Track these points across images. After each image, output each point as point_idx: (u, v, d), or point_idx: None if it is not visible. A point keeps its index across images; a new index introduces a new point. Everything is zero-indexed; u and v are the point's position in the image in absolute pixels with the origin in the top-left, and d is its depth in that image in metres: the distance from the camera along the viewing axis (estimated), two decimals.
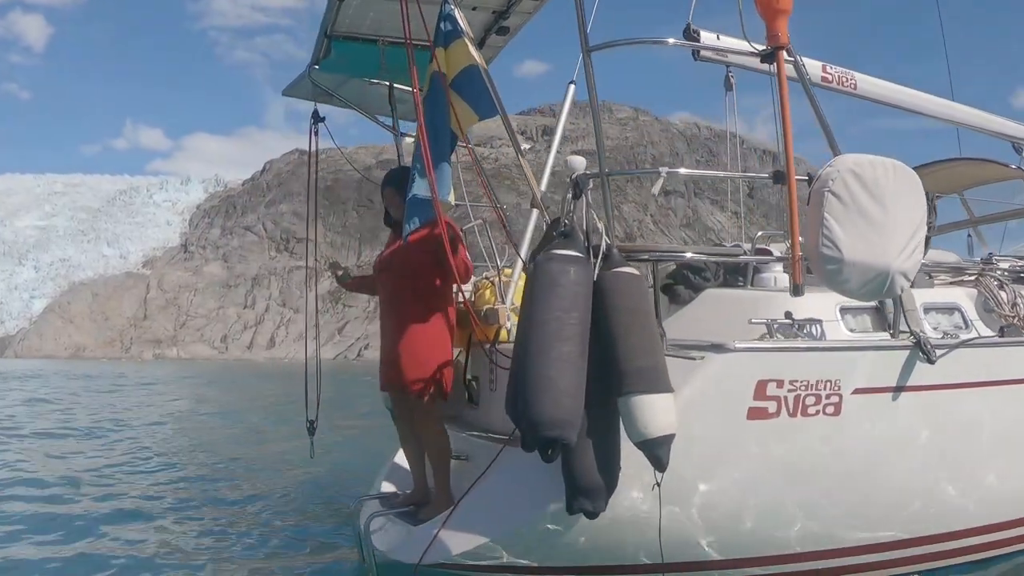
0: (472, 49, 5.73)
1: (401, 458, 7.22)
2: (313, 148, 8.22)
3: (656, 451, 4.48)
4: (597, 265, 4.73)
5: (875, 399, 5.56)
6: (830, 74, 8.37)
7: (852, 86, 8.60)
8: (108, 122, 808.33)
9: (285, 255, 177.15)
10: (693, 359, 5.08)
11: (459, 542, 5.28)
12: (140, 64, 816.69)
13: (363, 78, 8.17)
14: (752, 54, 5.58)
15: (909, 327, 5.84)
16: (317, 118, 8.10)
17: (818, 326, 5.76)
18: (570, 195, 5.15)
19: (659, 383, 4.53)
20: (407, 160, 8.11)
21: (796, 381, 5.23)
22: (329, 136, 8.24)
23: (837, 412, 5.36)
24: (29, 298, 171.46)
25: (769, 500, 5.37)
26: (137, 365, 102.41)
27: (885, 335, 5.87)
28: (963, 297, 6.64)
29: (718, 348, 5.14)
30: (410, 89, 8.15)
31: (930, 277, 6.75)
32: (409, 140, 8.19)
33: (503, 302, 6.74)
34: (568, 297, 4.51)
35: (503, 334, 6.66)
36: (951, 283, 7.00)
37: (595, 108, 5.39)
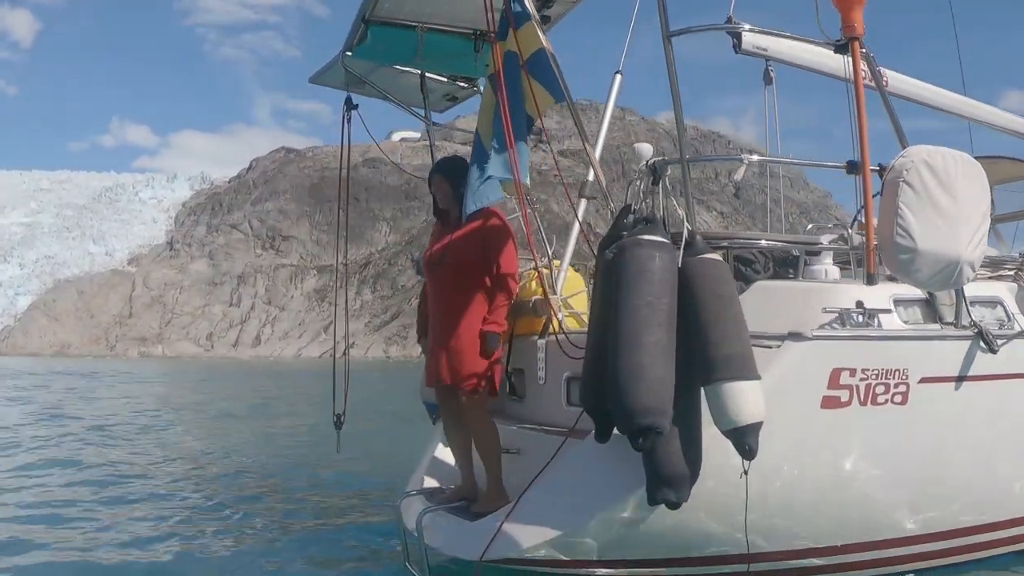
0: (540, 32, 5.58)
1: (441, 452, 7.05)
2: (345, 138, 7.88)
3: (746, 439, 4.41)
4: (681, 251, 4.63)
5: (940, 388, 5.57)
6: (865, 70, 8.25)
7: (885, 83, 8.15)
8: (95, 119, 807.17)
9: (271, 253, 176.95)
10: (770, 347, 5.00)
11: (526, 536, 5.10)
12: (128, 61, 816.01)
13: (396, 66, 7.98)
14: (827, 44, 5.62)
15: (971, 318, 5.84)
16: (350, 105, 7.84)
17: (878, 317, 5.62)
18: (639, 182, 5.27)
19: (749, 370, 4.46)
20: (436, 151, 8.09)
21: (868, 370, 5.22)
22: (363, 125, 7.94)
23: (904, 401, 5.35)
24: (14, 295, 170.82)
25: (841, 489, 5.34)
26: (123, 363, 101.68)
27: (936, 326, 5.84)
28: (1004, 291, 6.53)
29: (796, 336, 5.09)
30: (441, 78, 8.13)
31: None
32: (457, 130, 8.01)
33: (554, 293, 6.58)
34: (657, 283, 4.44)
35: (554, 325, 6.44)
36: (990, 277, 6.88)
37: (676, 94, 5.29)
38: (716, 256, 4.75)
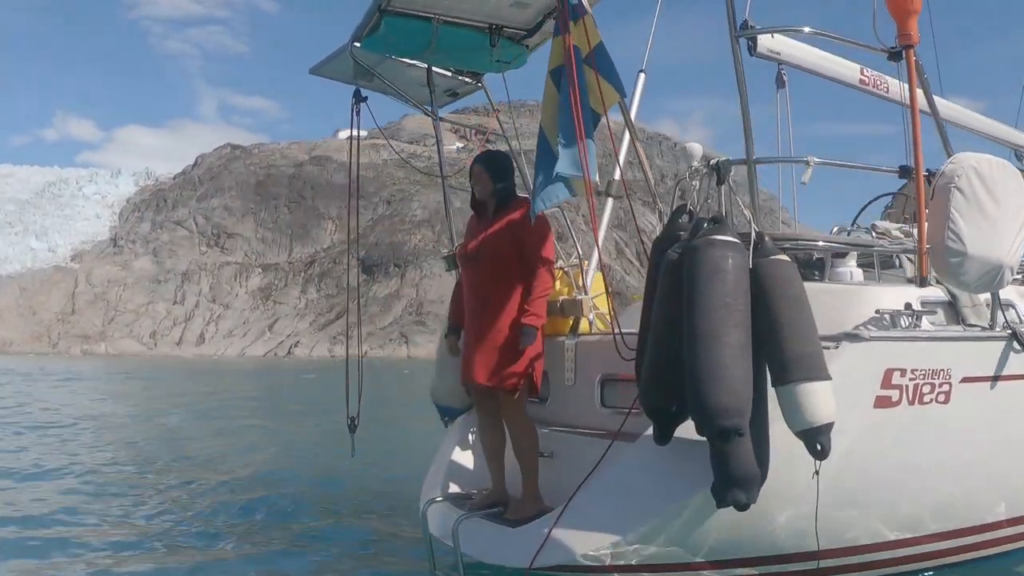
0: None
1: (458, 455, 6.85)
2: (353, 130, 7.70)
3: (819, 439, 4.37)
4: (751, 252, 4.59)
5: (979, 388, 5.68)
6: (867, 76, 8.36)
7: (885, 90, 8.57)
8: (38, 112, 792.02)
9: (215, 250, 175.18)
10: (827, 347, 4.86)
11: (578, 542, 4.95)
12: (71, 53, 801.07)
13: (404, 59, 7.71)
14: (881, 51, 5.70)
15: (1006, 319, 5.99)
16: (359, 98, 7.61)
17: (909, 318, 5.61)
18: (695, 181, 5.26)
19: (822, 370, 4.42)
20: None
21: (917, 370, 5.29)
22: (371, 118, 7.70)
23: (947, 400, 5.43)
24: None
25: (893, 487, 5.43)
26: (67, 360, 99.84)
27: (958, 327, 5.88)
28: (1015, 294, 6.55)
29: (852, 337, 5.09)
30: (446, 73, 7.90)
31: None
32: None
33: (585, 293, 6.47)
34: (731, 283, 4.39)
35: (584, 325, 6.41)
36: None
37: (743, 93, 5.18)
38: (785, 257, 4.69)
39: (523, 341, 5.72)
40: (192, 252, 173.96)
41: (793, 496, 4.91)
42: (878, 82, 8.47)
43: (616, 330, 5.51)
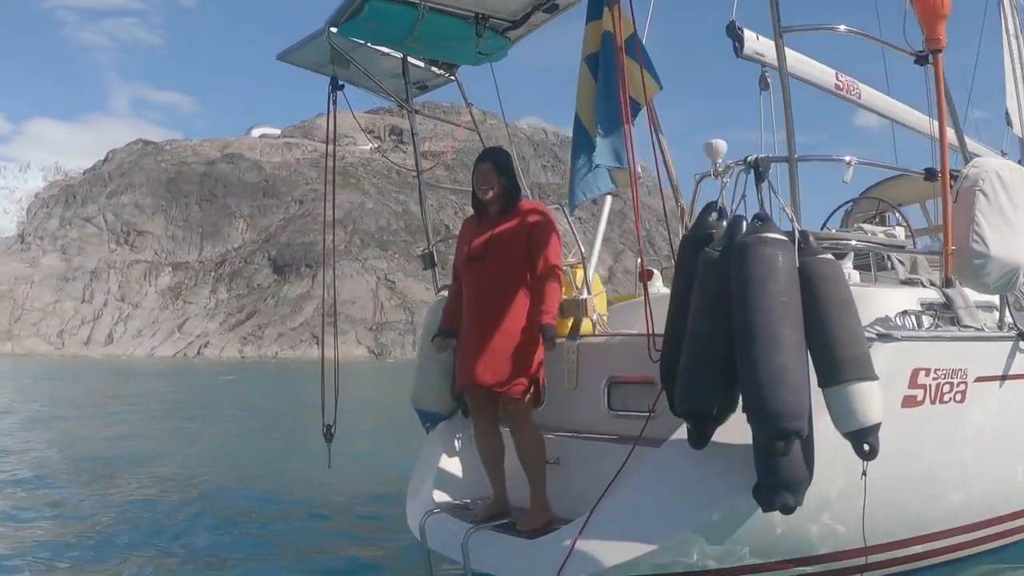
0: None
1: (447, 463, 6.48)
2: (331, 120, 7.39)
3: (869, 439, 4.29)
4: (796, 251, 4.48)
5: (991, 386, 5.77)
6: (841, 82, 8.54)
7: (857, 96, 8.83)
8: None
9: (125, 248, 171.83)
10: None
11: (609, 553, 4.66)
12: None
13: (380, 47, 7.36)
14: (909, 53, 5.74)
15: (1014, 320, 6.08)
16: (336, 86, 7.21)
17: (911, 319, 5.64)
18: (723, 179, 5.18)
19: (871, 371, 4.33)
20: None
21: (939, 370, 5.31)
22: (347, 106, 7.28)
23: (963, 399, 5.47)
24: None
25: (918, 484, 5.42)
26: None
27: (954, 328, 5.79)
28: (997, 296, 6.39)
29: (885, 337, 5.01)
30: (419, 64, 7.67)
31: None
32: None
33: (588, 293, 6.20)
34: (785, 282, 4.28)
35: (587, 326, 6.13)
36: None
37: (786, 89, 5.11)
38: (831, 256, 4.59)
39: (547, 342, 5.43)
40: (101, 249, 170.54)
41: (832, 497, 4.84)
42: (851, 88, 8.68)
43: (649, 331, 5.34)
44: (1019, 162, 9.87)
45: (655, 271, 8.10)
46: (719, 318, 4.46)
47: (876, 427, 4.30)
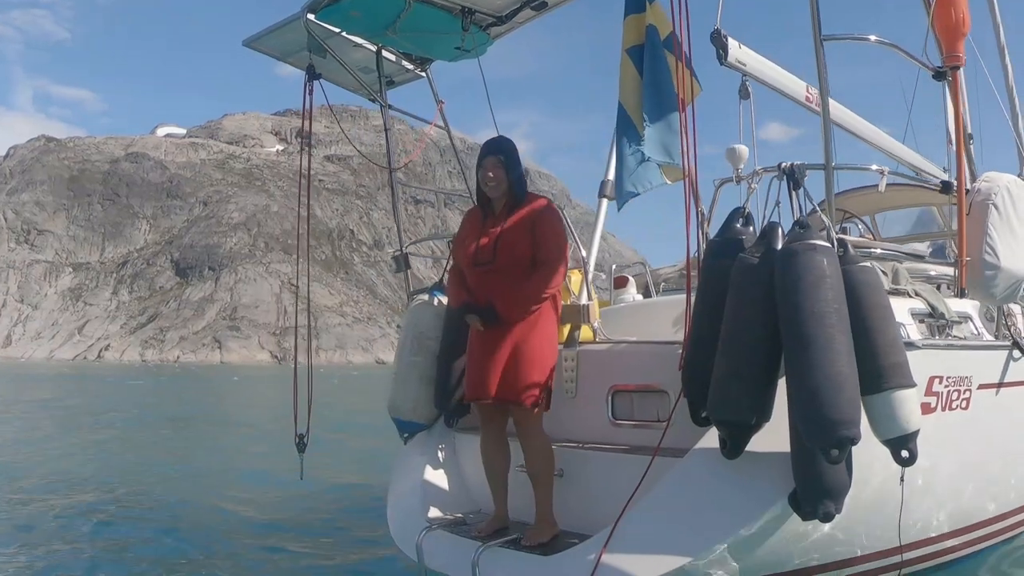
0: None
1: (432, 476, 6.14)
2: (306, 109, 6.88)
3: (909, 446, 4.26)
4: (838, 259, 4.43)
5: (990, 393, 5.83)
6: (811, 94, 8.44)
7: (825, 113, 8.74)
8: None
9: (25, 248, 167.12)
10: None
11: (639, 568, 4.44)
12: None
13: (360, 37, 7.05)
14: (928, 68, 5.77)
15: (1009, 331, 6.25)
16: (312, 75, 6.79)
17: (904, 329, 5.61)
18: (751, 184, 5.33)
19: (911, 378, 4.32)
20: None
21: (950, 377, 5.34)
22: (324, 97, 6.88)
23: (967, 406, 5.49)
24: None
25: (932, 487, 5.43)
26: None
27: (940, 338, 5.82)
28: (970, 307, 6.48)
29: (908, 345, 4.83)
30: (390, 58, 7.42)
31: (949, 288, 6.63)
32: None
33: (590, 298, 5.92)
34: (835, 289, 4.23)
35: (587, 333, 5.89)
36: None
37: (825, 98, 5.03)
38: (871, 265, 4.56)
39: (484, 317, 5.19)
40: (0, 248, 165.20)
41: (870, 502, 4.83)
42: (820, 101, 8.60)
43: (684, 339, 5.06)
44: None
45: (629, 278, 7.88)
46: (758, 325, 4.38)
47: (916, 434, 4.27)
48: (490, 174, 5.28)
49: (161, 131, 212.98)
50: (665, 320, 6.58)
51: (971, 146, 12.34)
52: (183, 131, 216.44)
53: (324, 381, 65.91)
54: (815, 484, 4.25)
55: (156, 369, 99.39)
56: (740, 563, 4.59)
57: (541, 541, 5.00)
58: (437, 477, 6.10)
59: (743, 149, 6.06)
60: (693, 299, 5.03)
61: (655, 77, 5.19)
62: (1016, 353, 6.12)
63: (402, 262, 7.24)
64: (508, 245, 5.18)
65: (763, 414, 4.42)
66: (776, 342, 4.31)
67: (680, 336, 6.09)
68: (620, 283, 7.88)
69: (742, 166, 6.73)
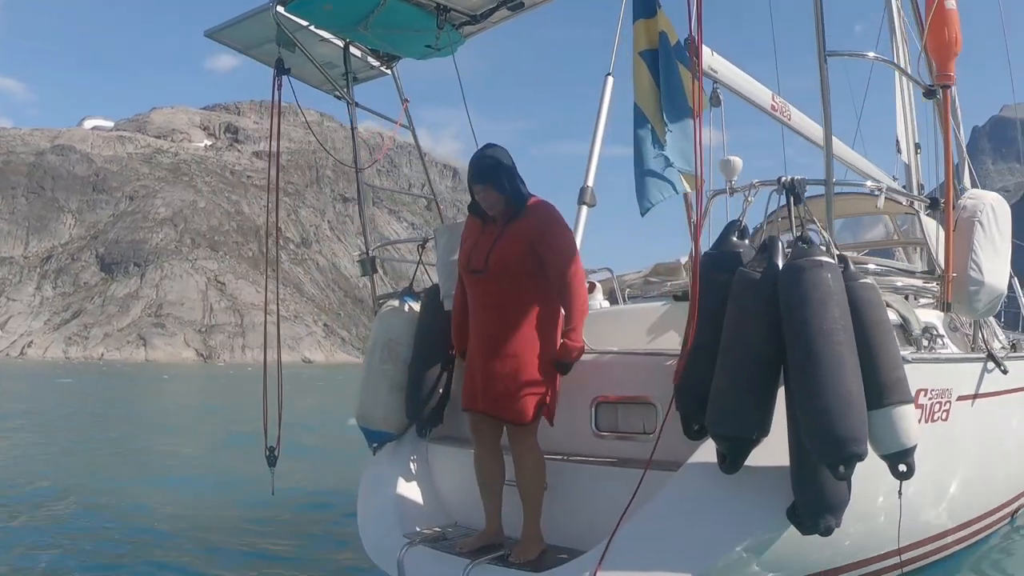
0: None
1: (405, 488, 5.90)
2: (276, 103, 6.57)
3: (907, 460, 4.27)
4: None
5: (967, 404, 5.88)
6: (776, 103, 8.75)
7: (788, 116, 9.06)
8: None
9: None
10: None
11: None
12: None
13: (329, 31, 6.85)
14: (921, 87, 5.90)
15: (984, 343, 6.42)
16: (281, 69, 6.51)
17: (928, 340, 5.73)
18: (748, 197, 5.13)
19: (909, 394, 4.34)
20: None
21: (934, 390, 5.36)
22: (292, 93, 6.59)
23: (947, 418, 5.51)
24: None
25: (920, 495, 5.42)
26: None
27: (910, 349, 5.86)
28: (935, 318, 6.40)
29: None
30: (355, 53, 7.25)
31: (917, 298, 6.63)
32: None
33: None
34: (841, 306, 4.22)
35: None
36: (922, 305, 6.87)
37: (827, 114, 4.97)
38: (872, 281, 4.56)
39: (559, 368, 5.01)
40: None
41: (865, 512, 4.84)
42: (784, 109, 8.95)
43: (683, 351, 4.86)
44: (903, 187, 10.17)
45: (596, 283, 7.71)
46: (760, 339, 4.33)
47: (914, 448, 4.28)
48: (483, 200, 5.09)
49: (88, 124, 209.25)
50: (638, 328, 6.41)
51: (919, 156, 12.66)
52: (111, 124, 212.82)
53: (255, 380, 65.24)
54: (816, 499, 4.23)
55: (82, 367, 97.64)
56: (762, 571, 4.56)
57: (528, 557, 4.82)
58: (410, 490, 5.88)
59: (737, 161, 6.04)
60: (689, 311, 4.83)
61: (670, 85, 5.13)
62: (990, 365, 6.21)
63: (368, 265, 7.00)
64: (501, 253, 4.98)
65: (764, 429, 4.34)
66: (777, 357, 4.27)
67: (661, 345, 6.02)
68: (589, 288, 7.73)
69: (735, 178, 6.65)
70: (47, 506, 9.18)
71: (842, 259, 4.47)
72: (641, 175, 5.04)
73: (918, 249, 10.50)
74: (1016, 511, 7.73)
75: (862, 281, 4.43)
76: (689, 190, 5.20)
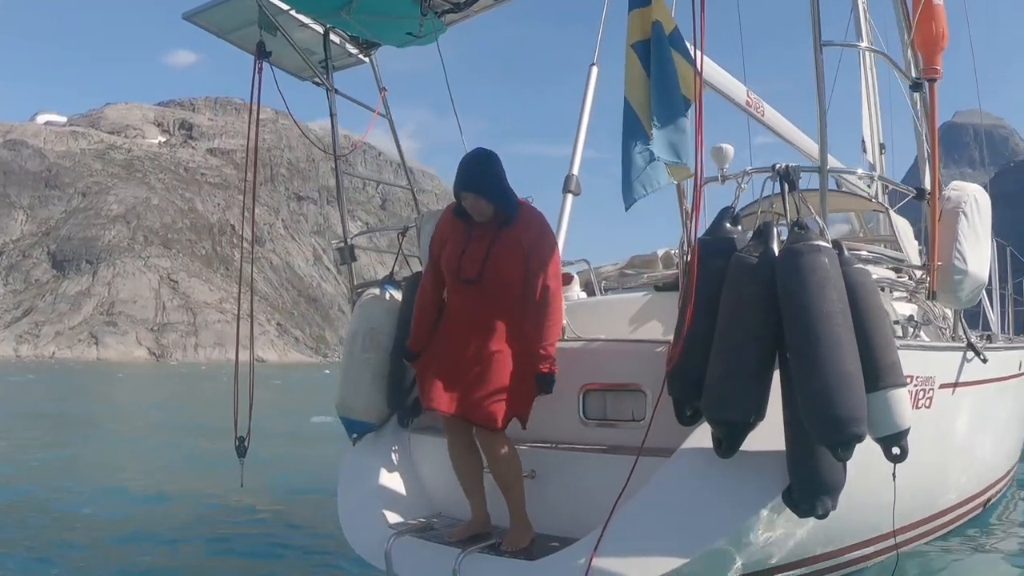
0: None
1: (387, 480, 5.78)
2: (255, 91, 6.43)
3: (901, 443, 4.32)
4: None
5: (948, 392, 6.00)
6: (751, 99, 8.85)
7: (761, 113, 9.18)
8: None
9: None
10: None
11: (636, 568, 4.29)
12: None
13: (311, 15, 6.74)
14: (908, 79, 5.99)
15: (964, 333, 6.55)
16: (263, 53, 6.34)
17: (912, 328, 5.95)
18: (741, 183, 5.23)
19: (903, 377, 4.38)
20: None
21: (919, 377, 5.44)
22: (274, 82, 6.46)
23: (930, 405, 5.60)
24: None
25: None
26: None
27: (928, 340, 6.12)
28: (908, 310, 6.51)
29: None
30: (333, 40, 7.16)
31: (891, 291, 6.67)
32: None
33: None
34: (839, 289, 4.25)
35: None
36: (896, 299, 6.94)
37: (822, 104, 5.01)
38: (865, 267, 4.68)
39: (542, 390, 4.96)
40: None
41: (862, 495, 4.81)
42: (758, 105, 9.14)
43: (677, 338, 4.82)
44: (867, 187, 10.25)
45: (574, 275, 7.67)
46: (757, 323, 4.36)
47: (907, 431, 4.33)
48: (471, 208, 4.97)
49: (41, 118, 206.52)
50: (619, 318, 6.42)
51: (884, 155, 12.80)
52: (64, 119, 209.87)
53: (210, 379, 64.38)
54: (812, 481, 4.26)
55: (34, 365, 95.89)
56: (739, 559, 4.56)
57: (520, 545, 4.78)
58: (393, 481, 5.78)
59: (729, 148, 6.09)
60: (681, 298, 4.90)
61: (662, 75, 5.06)
62: (969, 355, 6.38)
63: (347, 254, 6.90)
64: (496, 266, 4.90)
65: (760, 413, 4.36)
66: (774, 341, 4.30)
67: (643, 335, 6.09)
68: (564, 280, 7.68)
69: (727, 166, 6.62)
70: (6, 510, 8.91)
71: (836, 245, 4.48)
72: (627, 169, 4.98)
73: (885, 245, 10.67)
74: (989, 500, 7.85)
75: (858, 267, 4.47)
76: (675, 182, 5.20)
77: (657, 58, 5.06)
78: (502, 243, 4.91)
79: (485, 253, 4.93)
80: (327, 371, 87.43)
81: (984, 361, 6.52)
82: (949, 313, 6.79)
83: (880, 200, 9.83)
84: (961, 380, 6.26)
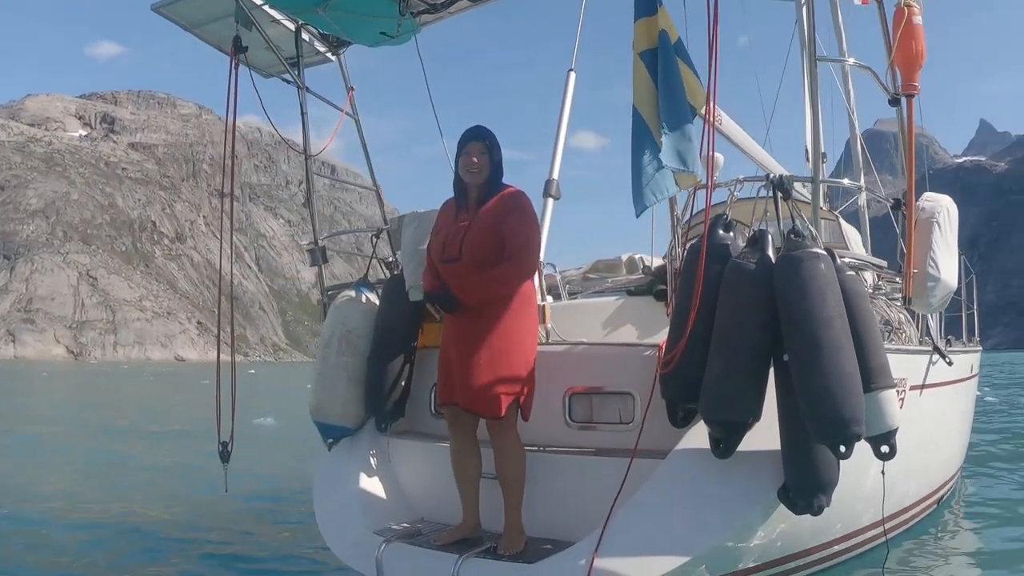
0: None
1: (367, 484, 5.67)
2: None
3: (891, 441, 4.44)
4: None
5: (916, 394, 6.16)
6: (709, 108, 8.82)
7: (720, 122, 9.05)
8: None
9: None
10: None
11: (638, 568, 4.31)
12: None
13: (286, 10, 6.61)
14: (887, 94, 6.04)
15: (932, 337, 6.79)
16: (239, 46, 6.17)
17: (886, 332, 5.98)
18: (733, 191, 5.27)
19: (892, 379, 4.49)
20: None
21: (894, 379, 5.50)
22: (249, 76, 6.28)
23: (902, 406, 5.58)
24: None
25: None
26: None
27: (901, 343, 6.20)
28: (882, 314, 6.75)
29: None
30: (303, 37, 7.07)
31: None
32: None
33: (543, 299, 5.79)
34: (836, 295, 4.38)
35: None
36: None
37: (816, 113, 5.50)
38: (856, 274, 4.80)
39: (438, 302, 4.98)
40: None
41: (856, 492, 5.09)
42: (717, 115, 8.91)
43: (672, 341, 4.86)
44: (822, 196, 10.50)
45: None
46: (755, 327, 4.46)
47: (896, 431, 4.44)
48: (474, 159, 4.94)
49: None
50: (592, 322, 6.48)
51: (824, 164, 12.98)
52: None
53: (133, 378, 63.13)
54: (808, 479, 4.38)
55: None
56: (739, 555, 4.66)
57: (515, 549, 4.73)
58: (372, 486, 5.67)
59: (719, 157, 6.08)
60: (675, 302, 4.96)
61: (669, 84, 5.09)
62: (935, 358, 6.59)
63: (318, 255, 6.77)
64: (473, 240, 4.87)
65: (757, 413, 4.46)
66: (770, 344, 4.41)
67: (617, 338, 6.30)
68: None
69: (717, 174, 6.66)
70: None
71: (829, 252, 4.57)
72: (637, 176, 4.99)
73: None
74: (942, 497, 8.09)
75: (850, 274, 4.60)
76: (681, 189, 5.23)
77: (665, 67, 5.10)
78: (480, 218, 4.91)
79: (465, 230, 4.93)
80: (251, 371, 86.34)
81: (949, 364, 6.79)
82: (909, 317, 6.91)
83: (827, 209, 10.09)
84: (928, 382, 6.46)
